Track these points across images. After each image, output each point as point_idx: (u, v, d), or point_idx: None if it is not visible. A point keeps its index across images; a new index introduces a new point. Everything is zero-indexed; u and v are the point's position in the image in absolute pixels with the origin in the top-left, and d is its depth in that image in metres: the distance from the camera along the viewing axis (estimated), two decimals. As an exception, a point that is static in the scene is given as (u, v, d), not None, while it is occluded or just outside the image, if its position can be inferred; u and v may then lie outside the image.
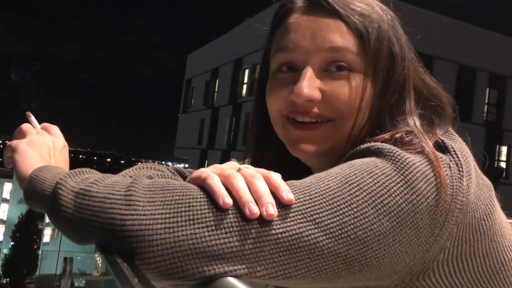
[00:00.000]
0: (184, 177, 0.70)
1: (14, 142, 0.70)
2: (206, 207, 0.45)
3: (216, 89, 25.00)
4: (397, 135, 0.57)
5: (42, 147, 0.70)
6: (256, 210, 0.45)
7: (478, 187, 0.56)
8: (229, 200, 0.45)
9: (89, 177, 0.51)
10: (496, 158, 19.55)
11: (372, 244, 0.47)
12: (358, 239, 0.46)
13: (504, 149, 19.89)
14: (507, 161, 19.90)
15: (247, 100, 21.31)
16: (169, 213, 0.44)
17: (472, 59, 18.35)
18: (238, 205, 0.45)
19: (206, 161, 24.18)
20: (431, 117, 0.65)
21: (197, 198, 0.45)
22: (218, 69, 24.62)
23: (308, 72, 0.62)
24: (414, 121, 0.61)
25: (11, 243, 35.04)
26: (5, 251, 35.62)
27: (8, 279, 32.32)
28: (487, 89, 19.38)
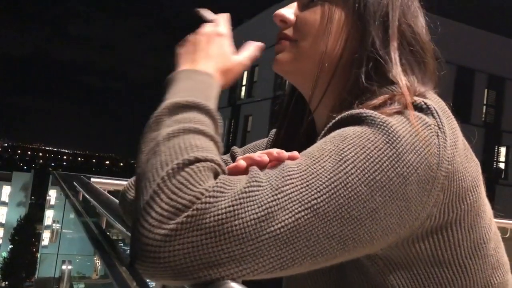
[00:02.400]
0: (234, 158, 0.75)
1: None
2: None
3: (215, 91, 24.95)
4: (388, 102, 0.57)
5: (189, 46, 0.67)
6: (263, 155, 0.50)
7: (466, 159, 0.57)
8: (262, 155, 0.51)
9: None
10: (495, 159, 19.59)
11: (365, 221, 0.48)
12: (352, 218, 0.47)
13: (503, 150, 19.94)
14: (505, 162, 19.94)
15: (245, 102, 21.34)
16: None
17: (470, 60, 18.40)
18: (239, 211, 0.44)
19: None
20: (414, 72, 0.64)
21: None
22: (217, 71, 24.58)
23: (293, 3, 0.71)
24: (402, 81, 0.60)
25: (10, 246, 35.02)
26: (4, 254, 35.62)
27: (6, 282, 32.28)
28: (486, 90, 19.43)
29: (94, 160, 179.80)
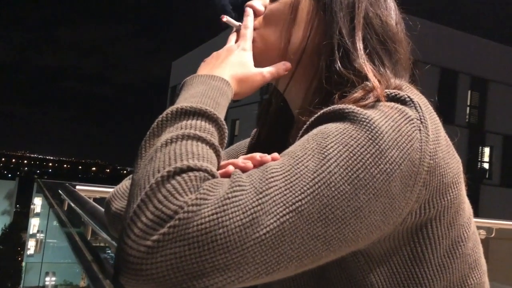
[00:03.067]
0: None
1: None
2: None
3: (201, 96, 24.89)
4: (369, 96, 0.56)
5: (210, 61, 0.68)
6: (247, 161, 0.51)
7: (448, 155, 0.56)
8: (246, 161, 0.51)
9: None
10: (479, 159, 19.84)
11: (349, 220, 0.47)
12: (336, 218, 0.46)
13: (486, 150, 20.20)
14: (490, 162, 20.21)
15: (233, 106, 21.24)
16: None
17: (454, 62, 18.64)
18: (222, 219, 0.43)
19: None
20: (383, 62, 0.65)
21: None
22: (203, 76, 24.53)
23: None
24: (368, 71, 0.61)
25: (-5, 256, 34.34)
26: (-12, 263, 34.92)
27: (-9, 293, 31.65)
28: (469, 92, 19.69)
29: (80, 167, 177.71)
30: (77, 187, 4.40)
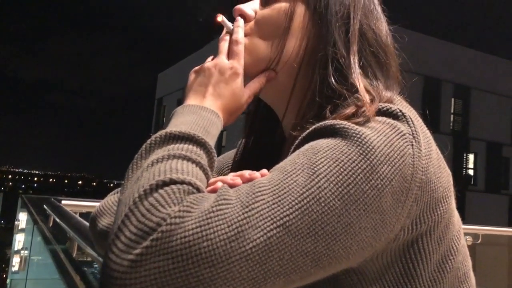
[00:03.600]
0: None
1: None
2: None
3: (188, 107, 24.87)
4: (360, 111, 0.55)
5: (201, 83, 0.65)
6: (236, 178, 0.50)
7: (439, 169, 0.56)
8: (235, 178, 0.50)
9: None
10: (464, 166, 20.08)
11: (340, 236, 0.46)
12: (326, 234, 0.46)
13: (471, 157, 20.46)
14: (474, 169, 20.46)
15: (219, 117, 21.23)
16: None
17: (437, 70, 18.92)
18: (207, 232, 0.42)
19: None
20: (376, 75, 0.64)
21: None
22: (189, 87, 24.54)
23: (254, 0, 0.71)
24: (360, 86, 0.60)
25: (-22, 273, 33.62)
26: (-28, 281, 34.15)
27: (-25, 311, 30.93)
28: (452, 99, 19.98)
29: (66, 181, 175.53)
30: (63, 201, 4.34)
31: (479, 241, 4.38)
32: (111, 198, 0.75)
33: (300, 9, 0.66)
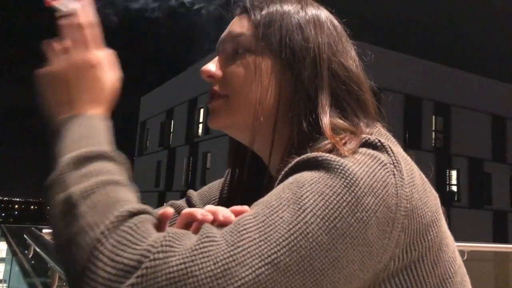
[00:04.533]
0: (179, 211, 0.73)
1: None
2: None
3: (171, 130, 24.87)
4: (341, 143, 0.56)
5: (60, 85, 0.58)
6: (206, 213, 0.47)
7: (425, 193, 0.56)
8: (206, 213, 0.48)
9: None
10: (448, 182, 20.31)
11: (328, 271, 0.46)
12: (314, 270, 0.45)
13: (454, 173, 20.74)
14: (457, 185, 20.71)
15: (203, 139, 21.30)
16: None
17: (417, 89, 19.29)
18: (192, 268, 0.41)
19: (165, 203, 23.63)
20: (355, 112, 0.65)
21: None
22: (173, 110, 24.58)
23: (216, 57, 0.71)
24: (327, 129, 0.60)
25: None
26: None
27: None
28: (433, 117, 20.33)
29: (48, 207, 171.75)
30: (44, 230, 4.24)
31: (465, 258, 4.40)
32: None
33: (267, 61, 0.66)
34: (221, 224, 0.47)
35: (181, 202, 0.82)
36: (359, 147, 0.55)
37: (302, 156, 0.55)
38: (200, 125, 22.02)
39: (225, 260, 0.42)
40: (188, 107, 22.38)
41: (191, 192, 0.83)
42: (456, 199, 20.11)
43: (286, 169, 0.55)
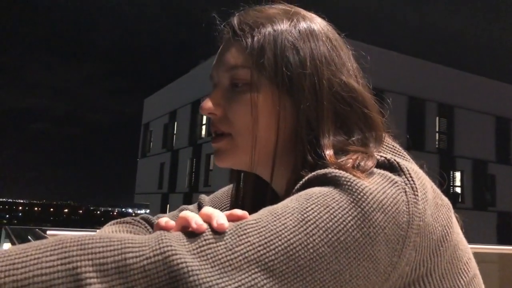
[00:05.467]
0: (151, 224, 0.72)
1: None
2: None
3: (175, 132, 24.88)
4: (355, 161, 0.55)
5: None
6: (201, 222, 0.46)
7: (436, 208, 0.55)
8: (201, 222, 0.46)
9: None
10: (451, 184, 20.23)
11: (329, 283, 0.45)
12: (314, 281, 0.45)
13: (457, 175, 20.66)
14: (461, 186, 20.63)
15: (207, 141, 21.30)
16: None
17: (421, 90, 19.24)
18: (188, 264, 0.42)
19: (168, 205, 23.70)
20: (362, 130, 0.64)
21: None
22: (176, 112, 24.60)
23: (214, 91, 0.69)
24: (331, 159, 0.59)
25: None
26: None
27: None
28: (437, 118, 20.27)
29: (52, 209, 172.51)
30: (48, 232, 4.24)
31: (469, 259, 4.36)
32: (110, 228, 0.71)
33: (265, 92, 0.64)
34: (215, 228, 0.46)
35: (193, 207, 0.81)
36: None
37: (313, 173, 0.55)
38: (203, 127, 22.02)
39: (222, 264, 0.43)
40: (191, 109, 22.38)
41: (203, 197, 0.83)
42: (460, 200, 20.02)
43: (297, 186, 0.56)
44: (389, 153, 0.63)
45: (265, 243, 0.45)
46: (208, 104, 0.68)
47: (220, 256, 0.43)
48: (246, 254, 0.44)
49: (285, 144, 0.65)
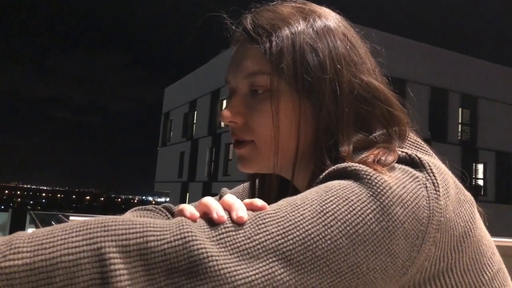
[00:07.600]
0: (172, 213, 0.72)
1: None
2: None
3: (194, 121, 25.03)
4: (376, 156, 0.56)
5: None
6: (222, 213, 0.47)
7: (459, 203, 0.55)
8: (222, 213, 0.47)
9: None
10: (474, 176, 19.89)
11: (346, 275, 0.46)
12: (331, 272, 0.45)
13: (480, 167, 20.29)
14: (484, 179, 20.27)
15: (226, 130, 21.36)
16: None
17: (443, 81, 18.89)
18: (208, 249, 0.43)
19: (188, 194, 23.93)
20: (386, 128, 0.64)
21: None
22: (196, 101, 24.72)
23: (233, 98, 0.69)
24: (350, 160, 0.59)
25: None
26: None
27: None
28: (460, 109, 19.89)
29: (74, 196, 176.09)
30: (71, 218, 4.34)
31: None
32: (133, 214, 0.72)
33: (286, 98, 0.64)
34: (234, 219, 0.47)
35: (216, 199, 0.82)
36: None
37: (333, 167, 0.55)
38: (223, 117, 22.03)
39: (241, 252, 0.44)
40: (211, 99, 22.46)
41: (225, 190, 0.84)
42: (482, 193, 19.69)
43: (318, 180, 0.56)
44: (412, 148, 0.62)
45: (283, 233, 0.45)
46: (228, 112, 0.68)
47: (239, 244, 0.44)
48: (265, 243, 0.45)
49: (305, 149, 0.65)
